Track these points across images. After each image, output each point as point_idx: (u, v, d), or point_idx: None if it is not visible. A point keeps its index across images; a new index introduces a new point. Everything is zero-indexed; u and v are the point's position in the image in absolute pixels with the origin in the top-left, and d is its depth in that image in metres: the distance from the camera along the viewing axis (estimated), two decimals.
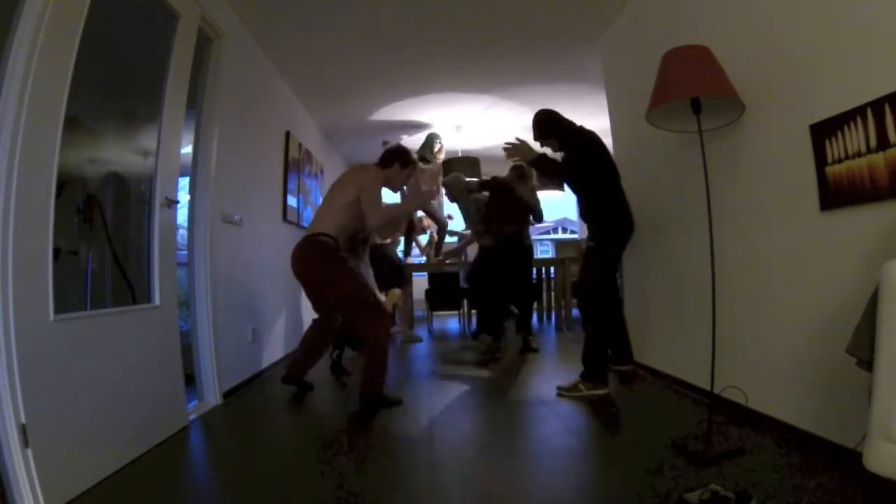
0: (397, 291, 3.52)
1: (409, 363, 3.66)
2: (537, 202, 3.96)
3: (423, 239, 5.43)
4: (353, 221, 2.51)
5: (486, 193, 4.12)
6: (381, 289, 4.49)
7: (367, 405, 2.32)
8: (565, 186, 5.17)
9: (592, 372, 2.49)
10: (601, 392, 2.45)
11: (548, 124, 2.74)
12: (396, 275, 4.37)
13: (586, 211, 2.67)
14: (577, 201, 2.78)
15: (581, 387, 2.46)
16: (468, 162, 5.16)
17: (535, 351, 3.77)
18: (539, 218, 4.01)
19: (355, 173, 2.55)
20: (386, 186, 2.69)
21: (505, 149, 2.67)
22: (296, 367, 2.72)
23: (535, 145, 2.79)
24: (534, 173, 4.03)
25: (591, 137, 2.60)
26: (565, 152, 2.68)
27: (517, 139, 2.64)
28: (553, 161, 2.67)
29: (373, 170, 2.55)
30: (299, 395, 2.69)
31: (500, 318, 3.82)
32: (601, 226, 2.57)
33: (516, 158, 2.68)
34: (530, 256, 4.08)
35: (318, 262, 2.39)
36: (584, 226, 2.79)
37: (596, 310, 2.54)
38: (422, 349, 4.16)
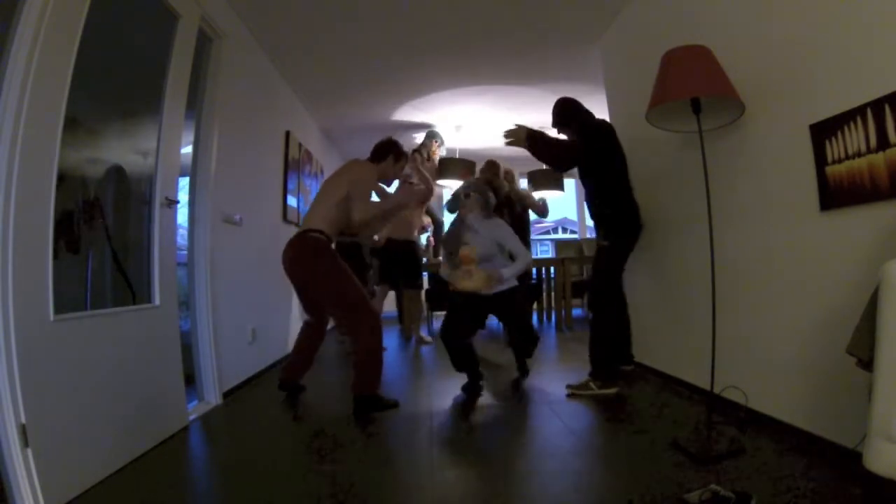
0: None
1: (409, 363, 3.66)
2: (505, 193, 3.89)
3: (422, 239, 5.42)
4: (345, 217, 2.46)
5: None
6: (398, 286, 4.45)
7: (361, 408, 2.25)
8: (568, 183, 5.17)
9: (603, 371, 2.48)
10: (612, 391, 2.44)
11: (567, 112, 2.65)
12: (414, 269, 4.24)
13: (597, 205, 2.61)
14: (586, 196, 2.70)
15: (592, 385, 2.45)
16: (463, 163, 5.12)
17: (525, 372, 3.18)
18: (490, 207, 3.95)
19: (347, 168, 2.53)
20: (380, 180, 2.68)
21: (505, 137, 2.58)
22: (289, 371, 2.66)
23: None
24: (515, 174, 4.05)
25: (610, 131, 2.59)
26: (582, 142, 2.59)
27: (515, 125, 2.58)
28: (548, 141, 2.55)
29: (366, 165, 2.54)
30: (296, 396, 2.66)
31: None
32: (612, 223, 2.54)
33: (511, 140, 2.57)
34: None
35: (307, 259, 2.32)
36: (593, 226, 2.74)
37: (606, 309, 2.54)
38: (421, 349, 4.16)
